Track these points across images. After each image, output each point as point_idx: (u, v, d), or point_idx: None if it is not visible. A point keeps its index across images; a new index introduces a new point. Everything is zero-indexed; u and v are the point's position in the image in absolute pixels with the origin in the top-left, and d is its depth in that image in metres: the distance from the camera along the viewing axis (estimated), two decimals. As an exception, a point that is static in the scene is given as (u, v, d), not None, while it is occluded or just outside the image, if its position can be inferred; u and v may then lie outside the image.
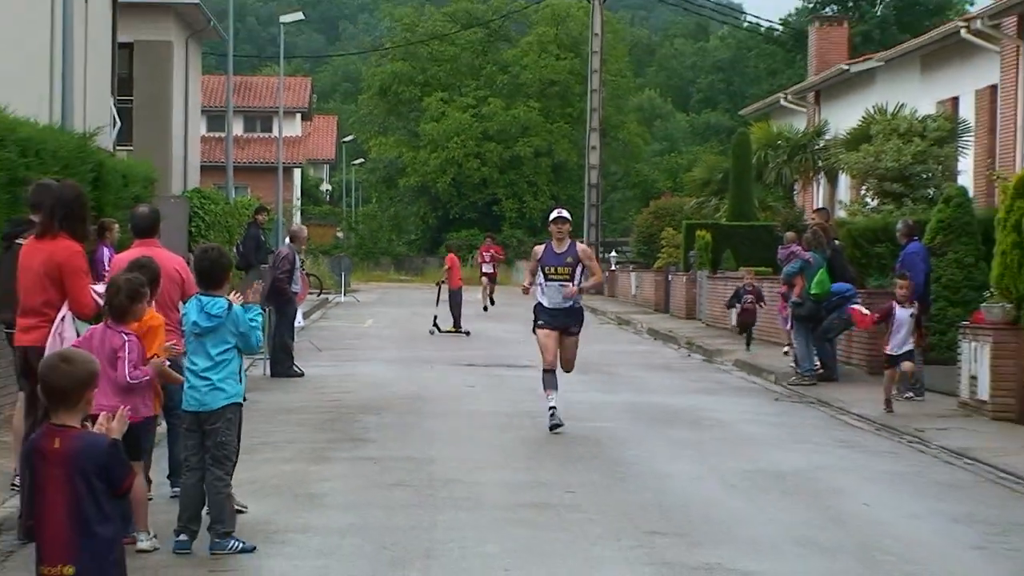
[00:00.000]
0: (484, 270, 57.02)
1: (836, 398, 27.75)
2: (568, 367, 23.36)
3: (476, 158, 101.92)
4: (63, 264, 13.66)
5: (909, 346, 25.05)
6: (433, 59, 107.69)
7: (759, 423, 25.61)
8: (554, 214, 23.10)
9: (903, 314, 24.88)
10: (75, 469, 8.24)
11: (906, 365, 24.89)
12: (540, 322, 22.45)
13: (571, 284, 22.17)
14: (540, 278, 22.44)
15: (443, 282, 45.78)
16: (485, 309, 55.01)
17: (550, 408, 22.15)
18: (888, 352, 25.28)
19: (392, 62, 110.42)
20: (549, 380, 22.24)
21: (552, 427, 22.06)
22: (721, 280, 47.20)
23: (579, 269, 22.45)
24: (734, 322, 39.76)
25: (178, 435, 14.63)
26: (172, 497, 15.00)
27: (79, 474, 8.23)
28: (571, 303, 22.50)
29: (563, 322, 22.45)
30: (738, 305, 38.09)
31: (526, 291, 23.36)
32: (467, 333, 44.38)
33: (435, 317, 44.15)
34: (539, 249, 23.18)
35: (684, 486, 18.61)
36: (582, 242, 25.53)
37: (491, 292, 56.61)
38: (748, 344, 37.23)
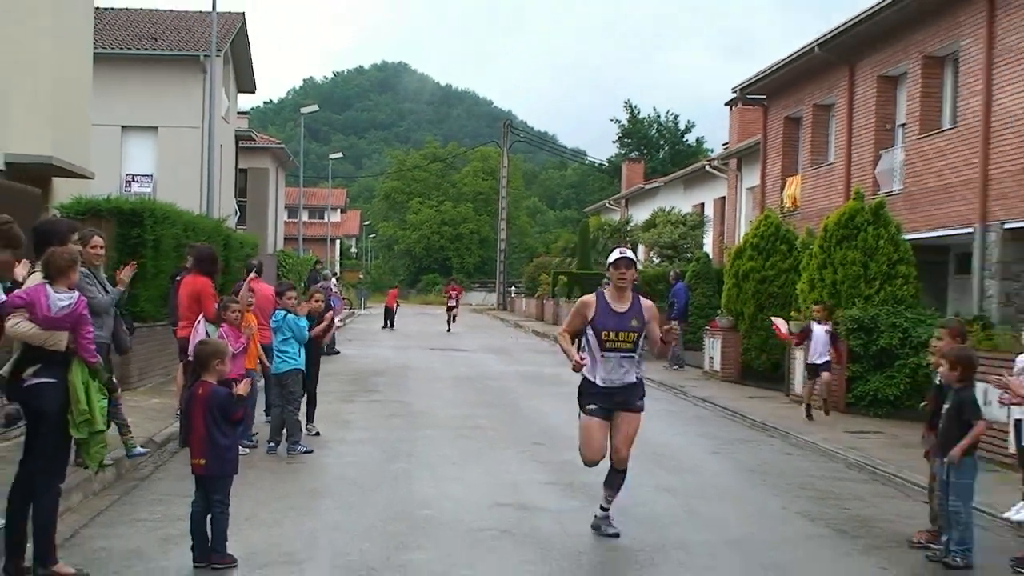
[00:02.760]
0: (449, 304, 68.98)
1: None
2: (622, 461, 14.42)
3: (436, 235, 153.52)
4: (200, 291, 19.05)
5: (827, 357, 26.08)
6: (414, 179, 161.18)
7: None
8: (615, 254, 14.83)
9: (819, 331, 26.17)
10: (208, 405, 12.00)
11: (824, 376, 26.23)
12: (591, 407, 14.20)
13: (636, 355, 14.33)
14: (591, 343, 14.27)
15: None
16: (448, 331, 63.69)
17: (604, 511, 14.44)
18: (809, 363, 26.61)
19: (390, 181, 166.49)
20: (609, 478, 14.41)
21: (612, 534, 14.06)
22: (572, 303, 62.44)
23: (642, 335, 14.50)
24: None
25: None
26: (266, 421, 20.93)
27: (209, 408, 11.96)
28: (634, 378, 14.44)
29: (624, 399, 14.30)
30: None
31: (578, 367, 13.99)
32: (393, 328, 65.11)
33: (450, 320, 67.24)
34: (590, 303, 14.59)
35: (551, 418, 25.67)
36: (645, 295, 15.70)
37: (453, 319, 67.55)
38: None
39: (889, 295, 27.94)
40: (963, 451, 13.27)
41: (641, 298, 14.37)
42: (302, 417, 20.49)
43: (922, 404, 15.17)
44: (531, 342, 57.44)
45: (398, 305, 69.99)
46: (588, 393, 14.17)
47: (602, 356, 13.99)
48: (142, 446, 17.84)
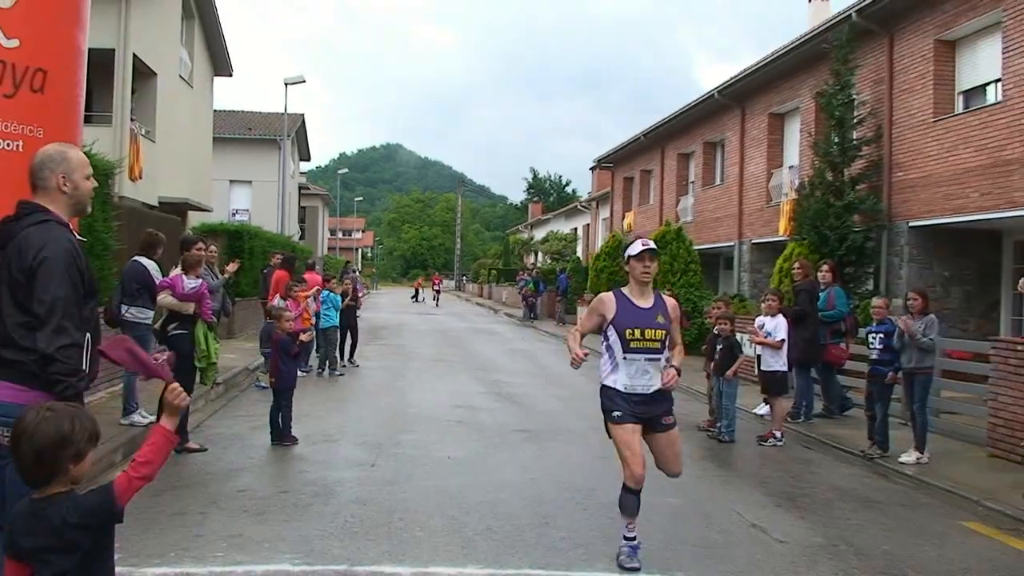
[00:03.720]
0: (436, 287, 66.10)
1: (537, 327, 38.33)
2: (676, 468, 8.05)
3: (419, 246, 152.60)
4: (281, 279, 18.40)
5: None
6: (406, 213, 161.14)
7: (511, 333, 34.60)
8: (638, 246, 8.19)
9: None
10: (278, 346, 12.11)
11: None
12: (617, 412, 7.66)
13: (662, 359, 7.84)
14: (613, 344, 7.86)
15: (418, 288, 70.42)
16: (437, 304, 59.66)
17: (627, 541, 7.52)
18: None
19: (391, 214, 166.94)
20: (630, 504, 7.54)
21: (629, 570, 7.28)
22: (503, 288, 65.25)
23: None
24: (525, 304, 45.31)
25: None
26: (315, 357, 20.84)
27: (278, 347, 12.05)
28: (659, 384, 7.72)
29: (648, 411, 7.72)
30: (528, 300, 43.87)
31: (577, 362, 7.71)
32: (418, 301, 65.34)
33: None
34: (607, 300, 8.10)
35: (489, 355, 25.43)
36: (669, 294, 12.84)
37: (437, 297, 64.15)
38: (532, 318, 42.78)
39: (685, 282, 27.90)
40: (733, 373, 13.28)
41: (664, 296, 8.30)
42: (337, 354, 20.26)
43: (703, 347, 15.16)
44: (477, 310, 56.98)
45: (422, 287, 73.50)
46: (611, 399, 7.71)
47: (624, 358, 7.68)
48: (238, 373, 17.66)
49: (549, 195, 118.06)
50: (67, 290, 4.80)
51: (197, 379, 11.42)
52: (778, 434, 13.31)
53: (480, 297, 77.13)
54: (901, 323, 11.97)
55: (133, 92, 26.08)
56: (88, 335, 4.95)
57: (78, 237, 5.22)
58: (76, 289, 4.86)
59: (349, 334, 21.37)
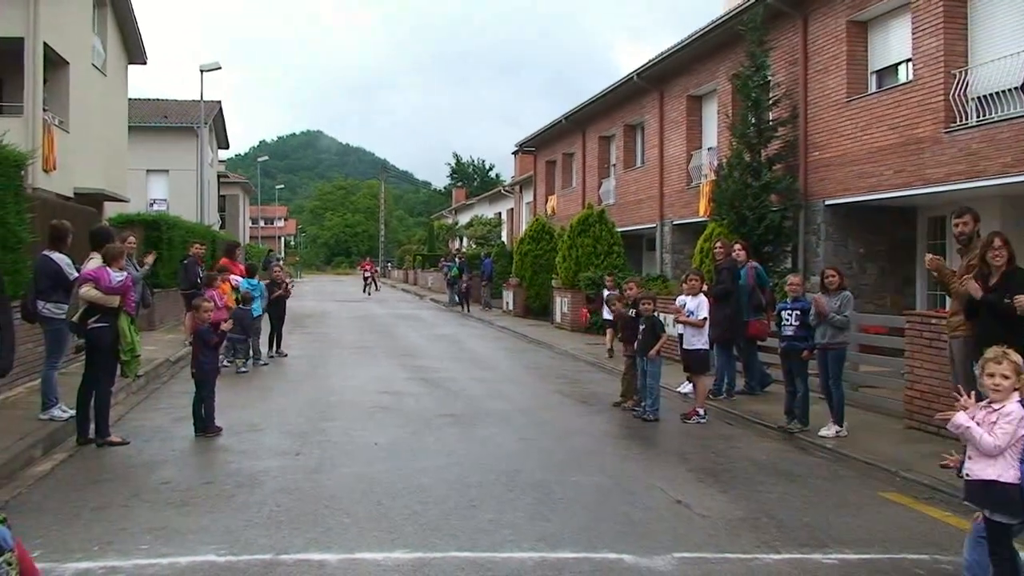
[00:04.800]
0: (364, 275, 58.10)
1: (461, 312, 38.15)
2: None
3: (343, 233, 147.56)
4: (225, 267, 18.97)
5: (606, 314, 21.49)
6: (328, 200, 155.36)
7: (437, 319, 34.35)
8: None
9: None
10: (197, 336, 12.44)
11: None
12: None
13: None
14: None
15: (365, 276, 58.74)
16: (368, 294, 54.08)
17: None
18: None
19: (313, 201, 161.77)
20: None
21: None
22: (428, 273, 64.50)
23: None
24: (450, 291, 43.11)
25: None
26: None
27: (197, 337, 12.09)
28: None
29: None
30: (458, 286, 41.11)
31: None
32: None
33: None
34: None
35: (413, 341, 25.34)
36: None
37: (369, 286, 56.65)
38: (466, 308, 39.09)
39: (609, 264, 28.12)
40: (656, 352, 13.39)
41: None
42: (262, 346, 20.02)
43: (618, 328, 15.38)
44: (402, 296, 56.57)
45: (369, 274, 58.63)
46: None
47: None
48: (159, 365, 17.36)
49: (473, 180, 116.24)
50: None
51: (118, 372, 11.29)
52: (701, 411, 13.49)
53: (405, 283, 76.46)
54: (815, 302, 12.17)
55: (45, 82, 25.50)
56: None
57: None
58: None
59: (274, 324, 21.06)
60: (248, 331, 18.59)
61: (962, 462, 6.10)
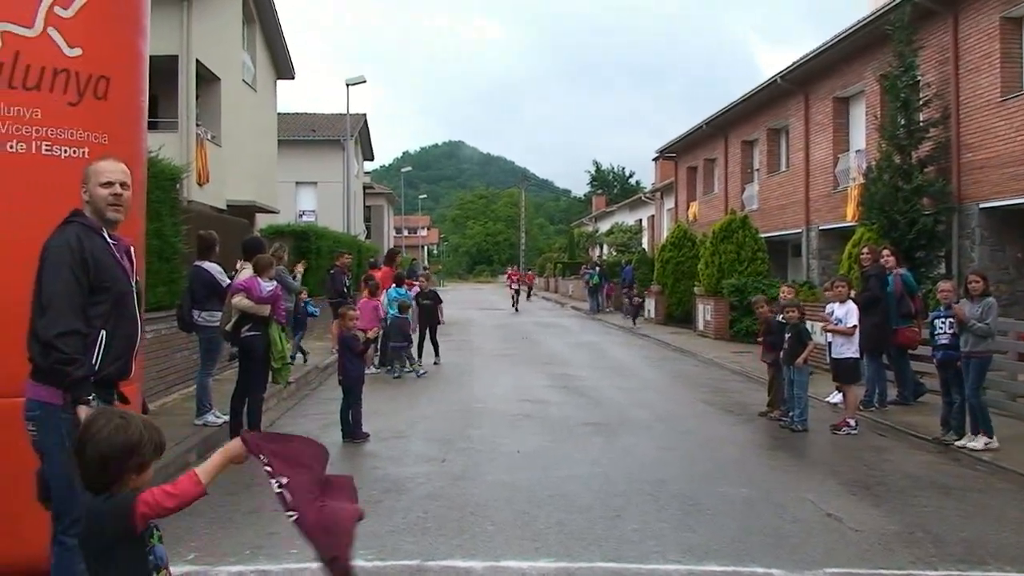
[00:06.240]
0: (514, 286, 49.02)
1: (603, 320, 37.36)
2: None
3: (484, 242, 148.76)
4: (387, 276, 19.42)
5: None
6: (469, 209, 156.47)
7: (578, 326, 33.99)
8: None
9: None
10: (343, 344, 12.33)
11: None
12: None
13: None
14: None
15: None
16: (517, 310, 45.54)
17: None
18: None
19: (455, 211, 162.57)
20: None
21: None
22: (568, 281, 64.55)
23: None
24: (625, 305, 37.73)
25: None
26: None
27: (343, 345, 12.35)
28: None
29: None
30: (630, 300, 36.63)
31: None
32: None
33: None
34: None
35: (554, 348, 25.31)
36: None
37: (518, 298, 48.17)
38: (634, 321, 34.82)
39: (753, 271, 27.68)
40: (803, 361, 13.09)
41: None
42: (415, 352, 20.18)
43: (759, 335, 15.01)
44: (543, 304, 56.16)
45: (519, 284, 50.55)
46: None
47: None
48: (309, 372, 17.68)
49: (613, 187, 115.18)
50: (65, 282, 4.96)
51: (270, 379, 11.50)
52: (852, 422, 13.09)
53: (546, 291, 76.54)
54: (956, 310, 11.71)
55: (197, 97, 26.33)
56: (103, 331, 5.08)
57: (114, 240, 5.32)
58: (79, 283, 5.02)
59: (429, 332, 21.27)
60: (410, 337, 19.16)
61: None
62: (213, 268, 11.97)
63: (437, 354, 21.02)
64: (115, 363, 5.19)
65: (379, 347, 19.31)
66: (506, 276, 61.97)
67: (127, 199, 5.45)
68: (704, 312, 29.51)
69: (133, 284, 5.43)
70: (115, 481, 3.46)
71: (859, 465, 10.90)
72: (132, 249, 5.59)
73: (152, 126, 10.56)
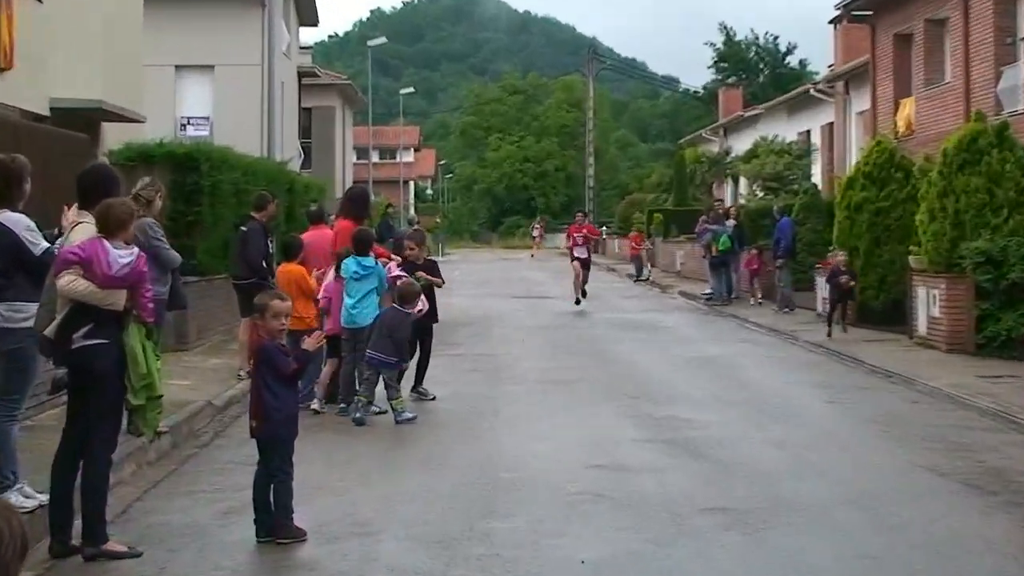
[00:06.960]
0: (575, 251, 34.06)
1: (738, 314, 25.97)
2: None
3: (519, 173, 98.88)
4: (345, 231, 12.85)
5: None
6: (492, 114, 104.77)
7: (693, 328, 23.97)
8: None
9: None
10: (257, 361, 7.79)
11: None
12: None
13: None
14: None
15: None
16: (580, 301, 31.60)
17: None
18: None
19: (467, 116, 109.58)
20: None
21: None
22: (673, 243, 44.24)
23: None
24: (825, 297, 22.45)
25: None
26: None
27: (258, 364, 7.63)
28: None
29: None
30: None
31: None
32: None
33: None
34: None
35: (648, 368, 17.71)
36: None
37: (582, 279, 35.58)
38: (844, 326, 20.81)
39: (1019, 225, 18.50)
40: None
41: None
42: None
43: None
44: (624, 285, 40.98)
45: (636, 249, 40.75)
46: None
47: None
48: (197, 415, 12.13)
49: (756, 72, 77.70)
50: None
51: (124, 425, 7.77)
52: None
53: (631, 262, 58.63)
54: None
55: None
56: None
57: None
58: None
59: (419, 347, 13.66)
60: (402, 351, 12.17)
61: None
62: (16, 221, 7.72)
63: (421, 379, 13.77)
64: None
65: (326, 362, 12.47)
66: (566, 236, 36.61)
67: None
68: (928, 302, 19.59)
69: None
70: None
71: None
72: None
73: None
